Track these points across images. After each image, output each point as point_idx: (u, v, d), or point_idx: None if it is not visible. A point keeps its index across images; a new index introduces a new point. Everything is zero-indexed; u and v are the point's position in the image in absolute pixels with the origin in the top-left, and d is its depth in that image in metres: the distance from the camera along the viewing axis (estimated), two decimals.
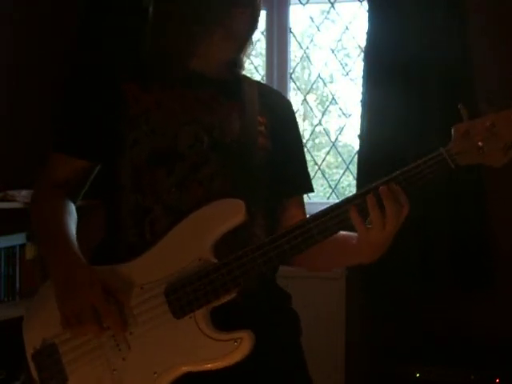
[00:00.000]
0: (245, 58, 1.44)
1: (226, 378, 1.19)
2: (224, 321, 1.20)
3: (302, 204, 1.49)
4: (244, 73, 1.48)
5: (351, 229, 1.21)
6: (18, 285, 2.68)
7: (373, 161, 2.75)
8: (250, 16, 1.35)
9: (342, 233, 1.23)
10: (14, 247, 2.69)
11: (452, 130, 1.17)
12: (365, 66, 2.85)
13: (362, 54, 2.91)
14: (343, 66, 3.21)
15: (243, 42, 1.38)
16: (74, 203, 1.40)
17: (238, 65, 1.44)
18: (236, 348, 1.16)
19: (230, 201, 1.24)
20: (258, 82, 1.51)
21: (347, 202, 1.19)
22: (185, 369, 1.18)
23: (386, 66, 2.77)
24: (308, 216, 1.22)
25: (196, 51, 1.35)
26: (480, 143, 1.15)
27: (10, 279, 2.66)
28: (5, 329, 2.40)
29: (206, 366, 1.17)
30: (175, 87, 1.34)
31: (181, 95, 1.33)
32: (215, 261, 1.21)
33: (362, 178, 2.79)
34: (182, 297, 1.19)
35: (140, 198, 1.28)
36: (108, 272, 1.23)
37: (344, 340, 2.87)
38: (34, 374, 1.26)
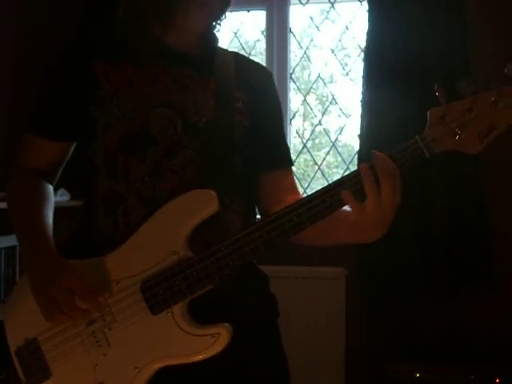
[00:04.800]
0: (219, 31, 1.39)
1: (201, 362, 1.19)
2: (200, 304, 1.21)
3: (287, 177, 1.44)
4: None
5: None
6: None
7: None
8: None
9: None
10: (13, 247, 2.69)
11: (428, 115, 1.11)
12: (365, 66, 2.86)
13: (362, 54, 2.91)
14: (343, 66, 3.21)
15: (219, 11, 1.33)
16: (51, 183, 1.38)
17: (212, 38, 1.39)
18: (213, 343, 1.17)
19: (202, 191, 1.22)
20: (235, 54, 1.45)
21: (321, 194, 1.14)
22: (164, 363, 1.20)
23: (386, 65, 2.77)
24: (285, 206, 1.17)
25: (171, 22, 1.30)
26: (457, 129, 1.09)
27: (10, 279, 2.66)
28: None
29: (184, 360, 1.19)
30: (148, 64, 1.30)
31: (154, 73, 1.29)
32: (190, 255, 1.20)
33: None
34: (158, 293, 1.19)
35: (113, 184, 1.26)
36: (83, 266, 1.23)
37: (344, 340, 2.87)
38: (19, 369, 1.29)
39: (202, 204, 1.21)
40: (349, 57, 3.28)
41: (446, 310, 2.75)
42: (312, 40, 3.27)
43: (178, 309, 1.20)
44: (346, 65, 3.21)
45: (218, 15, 1.34)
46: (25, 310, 1.27)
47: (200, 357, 1.18)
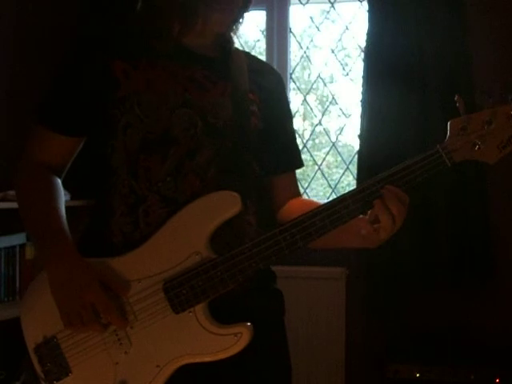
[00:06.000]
0: (235, 34, 1.41)
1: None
2: (213, 301, 1.22)
3: (294, 180, 1.50)
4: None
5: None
6: (18, 285, 2.68)
7: (373, 161, 2.75)
8: None
9: None
10: (13, 247, 2.68)
11: (448, 126, 1.17)
12: (365, 66, 2.86)
13: (362, 54, 2.91)
14: (343, 66, 3.21)
15: (238, 15, 1.36)
16: (60, 178, 1.38)
17: (229, 40, 1.40)
18: (236, 342, 1.20)
19: (226, 193, 1.24)
20: (247, 55, 1.47)
21: (344, 199, 1.19)
22: (186, 361, 1.21)
23: (385, 66, 2.77)
24: (308, 211, 1.21)
25: (193, 25, 1.31)
26: (476, 140, 1.15)
27: (10, 279, 2.66)
28: (5, 329, 2.39)
29: (207, 358, 1.21)
30: (166, 65, 1.30)
31: (172, 74, 1.30)
32: (212, 255, 1.21)
33: (362, 178, 2.79)
34: (181, 293, 1.21)
35: (134, 183, 1.27)
36: (105, 265, 1.24)
37: (344, 340, 2.87)
38: (37, 366, 1.29)
39: (225, 205, 1.23)
40: (349, 57, 3.28)
41: (446, 311, 2.75)
42: (312, 40, 3.27)
43: (200, 308, 1.21)
44: (346, 65, 3.21)
45: (237, 19, 1.37)
46: (43, 307, 1.27)
47: (223, 355, 1.20)
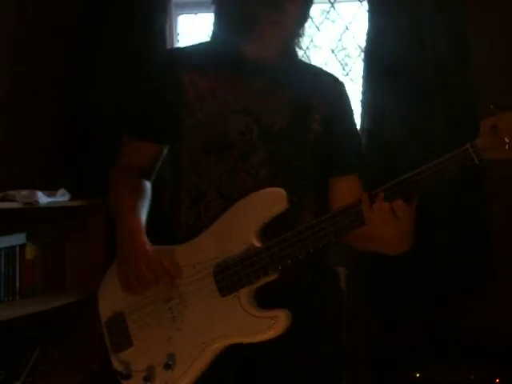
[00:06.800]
0: (298, 45, 1.53)
1: (265, 345, 1.34)
2: (266, 296, 1.36)
3: (354, 183, 1.56)
4: None
5: None
6: (17, 285, 2.67)
7: (373, 161, 2.74)
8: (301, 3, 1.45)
9: None
10: (13, 247, 2.68)
11: (480, 125, 1.25)
12: (365, 66, 2.86)
13: (362, 54, 2.91)
14: (343, 66, 3.21)
15: (293, 28, 1.47)
16: (149, 180, 1.60)
17: (291, 51, 1.53)
18: (272, 325, 1.31)
19: (273, 190, 1.36)
20: (310, 66, 1.63)
21: (375, 195, 1.29)
22: (228, 340, 1.35)
23: (386, 65, 2.77)
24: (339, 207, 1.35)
25: (250, 37, 1.43)
26: (506, 139, 1.22)
27: (9, 279, 2.65)
28: (5, 329, 2.39)
29: (245, 339, 1.34)
30: (229, 74, 1.45)
31: (233, 83, 1.44)
32: (258, 245, 1.35)
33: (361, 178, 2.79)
34: (227, 277, 1.36)
35: (197, 180, 1.46)
36: (167, 251, 1.42)
37: (344, 340, 2.86)
38: (107, 339, 1.50)
39: (272, 201, 1.36)
40: (349, 57, 3.27)
41: (446, 311, 2.75)
42: (312, 40, 3.27)
43: (244, 293, 1.35)
44: (346, 65, 3.21)
45: (293, 31, 1.49)
46: (114, 287, 1.46)
47: (260, 337, 1.32)
